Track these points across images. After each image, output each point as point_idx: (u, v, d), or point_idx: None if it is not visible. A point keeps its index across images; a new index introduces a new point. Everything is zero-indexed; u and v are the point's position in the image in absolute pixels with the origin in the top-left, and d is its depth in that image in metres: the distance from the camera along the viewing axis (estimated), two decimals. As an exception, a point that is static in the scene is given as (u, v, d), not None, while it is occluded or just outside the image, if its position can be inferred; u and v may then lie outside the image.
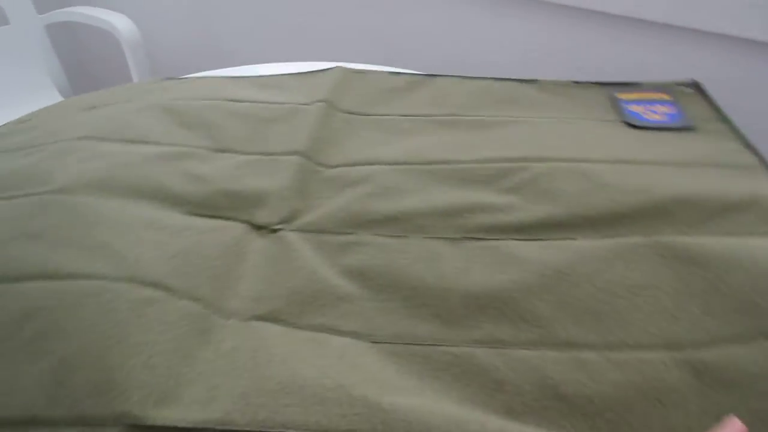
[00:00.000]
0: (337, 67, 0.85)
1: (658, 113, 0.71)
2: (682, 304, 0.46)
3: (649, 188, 0.56)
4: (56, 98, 1.47)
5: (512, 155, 0.63)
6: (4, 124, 0.78)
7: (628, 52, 0.94)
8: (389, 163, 0.64)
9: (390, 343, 0.45)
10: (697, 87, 0.78)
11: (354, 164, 0.65)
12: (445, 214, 0.56)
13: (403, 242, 0.54)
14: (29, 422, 0.39)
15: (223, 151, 0.66)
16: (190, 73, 1.46)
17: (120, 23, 1.32)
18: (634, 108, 0.72)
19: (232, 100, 0.76)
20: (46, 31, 1.48)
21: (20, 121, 0.78)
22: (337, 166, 0.65)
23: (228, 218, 0.57)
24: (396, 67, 1.23)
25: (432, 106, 0.75)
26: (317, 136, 0.69)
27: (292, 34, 1.40)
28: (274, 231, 0.56)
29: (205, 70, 1.46)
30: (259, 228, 0.57)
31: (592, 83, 0.80)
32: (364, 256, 0.52)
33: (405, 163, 0.64)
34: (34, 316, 0.44)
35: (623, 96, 0.76)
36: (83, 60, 2.01)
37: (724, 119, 0.71)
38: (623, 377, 0.41)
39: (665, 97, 0.75)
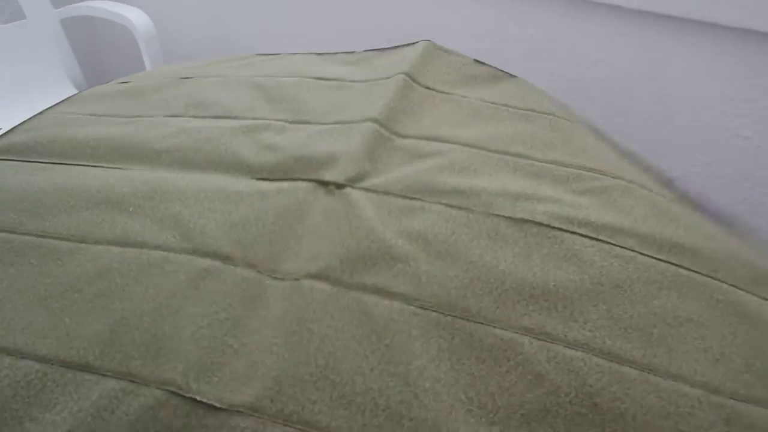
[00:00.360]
0: (424, 41, 0.84)
1: None
2: (725, 351, 0.45)
3: (715, 237, 0.56)
4: (71, 91, 1.49)
5: (587, 165, 0.63)
6: (104, 84, 0.84)
7: (642, 45, 0.95)
8: (464, 144, 0.64)
9: (438, 312, 0.45)
10: None
11: (428, 138, 0.65)
12: (513, 197, 0.56)
13: (468, 215, 0.54)
14: (82, 367, 0.42)
15: (300, 122, 0.68)
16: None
17: (135, 17, 1.33)
18: None
19: (317, 78, 0.78)
20: (62, 25, 1.50)
21: (120, 81, 0.84)
22: (412, 137, 0.65)
23: (295, 179, 0.59)
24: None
25: (512, 98, 0.74)
26: (394, 106, 0.69)
27: (305, 27, 1.41)
28: (340, 187, 0.57)
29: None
30: (325, 184, 0.58)
31: None
32: (427, 221, 0.53)
33: (480, 147, 0.64)
34: (103, 277, 0.49)
35: None
36: (97, 53, 2.02)
37: None
38: (658, 403, 0.41)
39: None
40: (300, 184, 0.58)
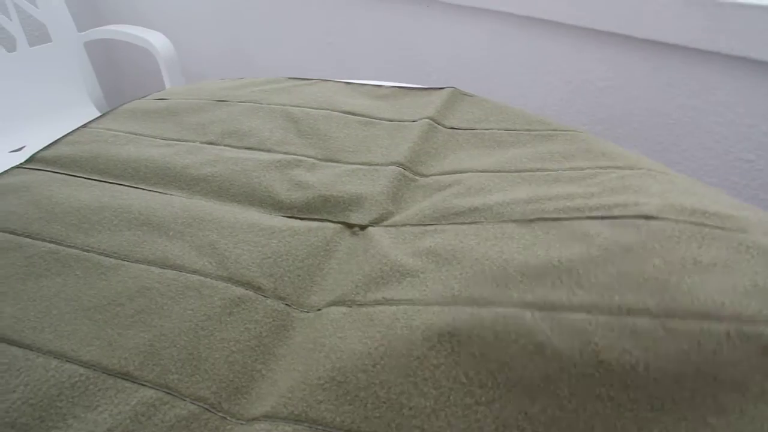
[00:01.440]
0: (450, 87, 0.88)
1: None
2: (759, 283, 0.41)
3: (744, 207, 0.53)
4: (92, 111, 1.53)
5: (605, 164, 0.62)
6: (141, 99, 0.89)
7: (650, 72, 0.98)
8: (482, 171, 0.66)
9: (440, 304, 0.47)
10: None
11: (449, 173, 0.67)
12: (525, 202, 0.57)
13: (478, 227, 0.55)
14: (123, 375, 0.46)
15: (330, 160, 0.72)
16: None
17: (157, 40, 1.37)
18: None
19: (346, 112, 0.81)
20: (85, 48, 1.55)
21: (157, 97, 0.88)
22: (434, 175, 0.68)
23: (324, 220, 0.62)
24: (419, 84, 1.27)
25: (534, 122, 0.76)
26: (418, 149, 0.72)
27: (320, 49, 1.45)
28: (364, 228, 0.61)
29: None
30: (351, 227, 0.61)
31: None
32: (438, 239, 0.55)
33: (498, 170, 0.65)
34: (143, 294, 0.52)
35: None
36: (116, 74, 2.07)
37: None
38: (677, 347, 0.38)
39: None
40: (328, 224, 0.61)
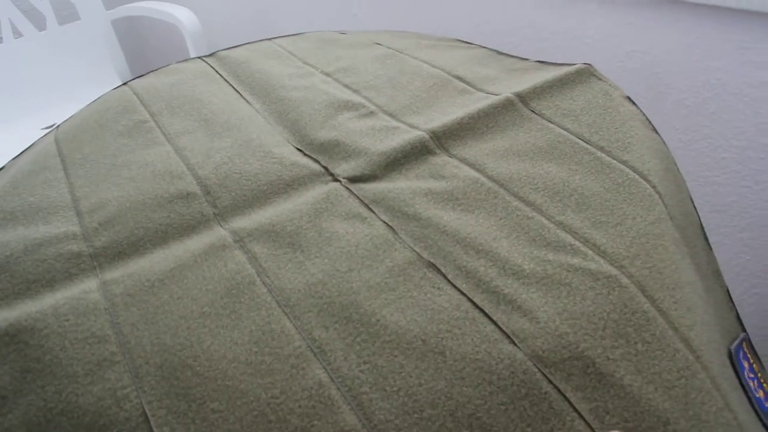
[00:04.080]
0: (583, 64, 0.74)
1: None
2: None
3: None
4: (121, 89, 1.56)
5: (597, 240, 0.51)
6: (328, 31, 0.95)
7: (678, 35, 0.97)
8: (488, 177, 0.58)
9: (269, 290, 0.47)
10: None
11: (465, 162, 0.60)
12: (456, 241, 0.51)
13: (388, 238, 0.52)
14: (77, 210, 0.58)
15: (388, 114, 0.68)
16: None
17: (184, 16, 1.39)
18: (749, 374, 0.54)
19: (455, 76, 0.75)
20: (112, 26, 1.57)
21: (340, 32, 0.94)
22: (455, 157, 0.61)
23: (316, 160, 0.62)
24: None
25: (617, 142, 0.62)
26: (465, 123, 0.64)
27: (346, 21, 1.45)
28: (335, 180, 0.59)
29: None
30: (328, 174, 0.60)
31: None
32: (348, 228, 0.53)
33: (501, 184, 0.57)
34: (145, 168, 0.62)
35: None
36: (143, 51, 2.10)
37: None
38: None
39: None
40: (314, 166, 0.61)
